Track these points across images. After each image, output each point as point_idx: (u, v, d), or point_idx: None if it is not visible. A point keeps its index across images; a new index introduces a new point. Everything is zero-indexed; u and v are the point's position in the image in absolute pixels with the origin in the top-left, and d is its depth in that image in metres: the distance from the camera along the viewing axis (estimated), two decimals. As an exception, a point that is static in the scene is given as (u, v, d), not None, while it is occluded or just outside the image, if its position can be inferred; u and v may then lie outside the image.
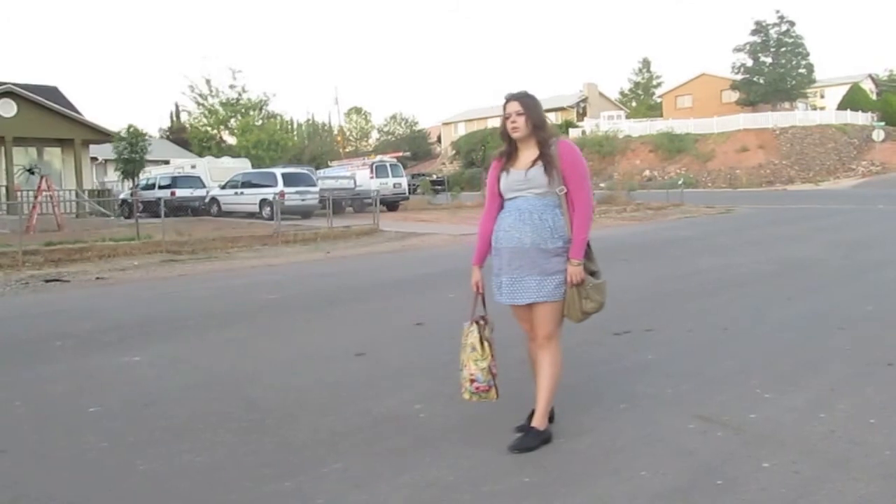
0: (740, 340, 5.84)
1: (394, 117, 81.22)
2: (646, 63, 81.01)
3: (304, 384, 4.89)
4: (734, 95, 57.06)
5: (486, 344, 3.60)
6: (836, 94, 58.34)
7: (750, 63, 55.01)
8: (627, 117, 64.28)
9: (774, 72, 53.41)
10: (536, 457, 3.45)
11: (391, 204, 28.47)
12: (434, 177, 51.42)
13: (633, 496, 2.99)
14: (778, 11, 54.10)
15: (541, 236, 3.48)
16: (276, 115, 57.48)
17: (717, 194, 37.46)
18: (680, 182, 36.14)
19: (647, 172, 51.11)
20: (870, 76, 66.33)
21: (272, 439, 3.82)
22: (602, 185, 39.69)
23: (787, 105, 56.00)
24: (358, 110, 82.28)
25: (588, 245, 3.55)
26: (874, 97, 59.75)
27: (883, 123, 48.30)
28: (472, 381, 3.59)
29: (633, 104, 77.85)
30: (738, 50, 55.22)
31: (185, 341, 6.44)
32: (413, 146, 70.46)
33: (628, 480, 3.15)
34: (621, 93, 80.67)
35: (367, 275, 11.15)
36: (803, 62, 53.84)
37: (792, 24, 53.62)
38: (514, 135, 3.56)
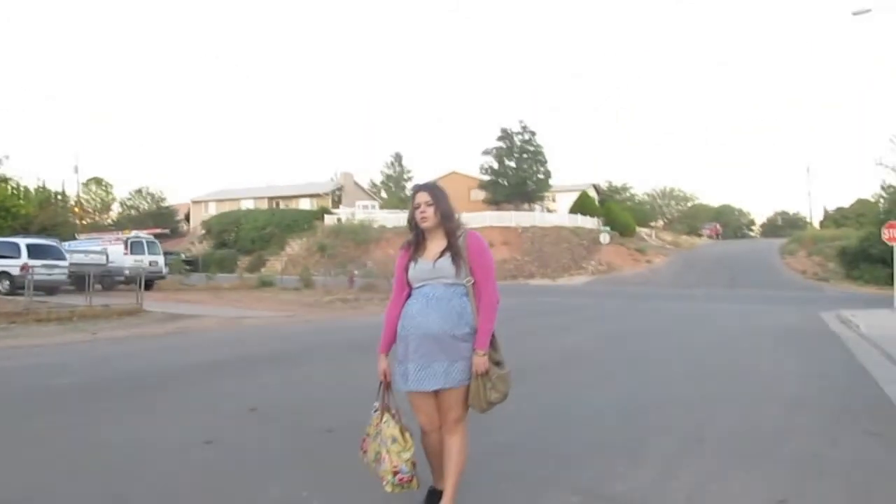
0: (574, 422, 6.27)
1: (139, 191, 76.98)
2: (398, 157, 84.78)
3: (165, 475, 4.51)
4: (481, 194, 61.13)
5: (407, 434, 3.57)
6: (566, 199, 64.64)
7: (496, 166, 59.56)
8: (381, 207, 66.29)
9: (517, 175, 58.22)
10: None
11: (146, 283, 26.75)
12: (184, 256, 49.17)
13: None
14: (521, 121, 59.60)
15: (448, 322, 3.48)
16: (8, 178, 52.17)
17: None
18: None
19: (400, 262, 52.62)
20: (593, 185, 74.42)
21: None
22: (356, 272, 40.32)
23: (526, 206, 60.98)
24: (98, 181, 76.92)
25: (493, 335, 3.60)
26: (597, 204, 66.99)
27: (608, 228, 54.22)
28: (396, 472, 3.52)
29: (384, 195, 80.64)
30: (486, 153, 59.72)
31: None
32: (159, 222, 67.08)
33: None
34: (373, 183, 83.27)
35: (159, 358, 10.41)
36: (542, 168, 59.29)
37: (533, 133, 59.18)
38: (424, 225, 3.59)
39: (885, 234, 25.02)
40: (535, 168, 59.00)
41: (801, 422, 6.46)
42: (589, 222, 58.08)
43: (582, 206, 60.97)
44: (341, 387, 7.99)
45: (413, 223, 3.66)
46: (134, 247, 28.10)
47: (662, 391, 7.97)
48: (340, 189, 69.20)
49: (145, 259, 27.77)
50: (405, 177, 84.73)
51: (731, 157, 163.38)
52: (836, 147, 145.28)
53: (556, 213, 61.22)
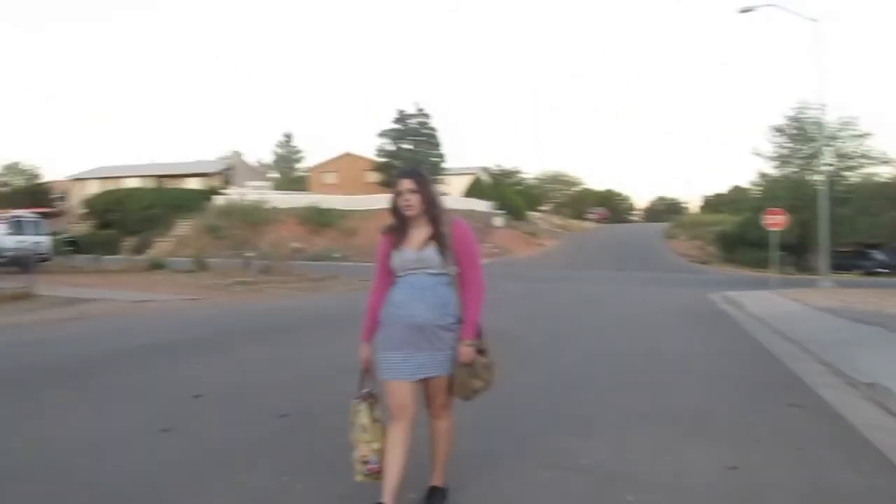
0: (518, 400, 6.45)
1: (11, 167, 72.49)
2: (288, 137, 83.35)
3: (134, 463, 4.42)
4: (377, 176, 60.93)
5: (378, 425, 3.50)
6: (459, 183, 65.27)
7: (392, 148, 59.48)
8: (274, 188, 65.05)
9: (412, 158, 58.31)
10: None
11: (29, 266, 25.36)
12: (65, 236, 46.74)
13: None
14: (417, 104, 59.56)
15: (434, 312, 3.42)
16: None
17: (365, 269, 39.21)
18: (337, 255, 37.44)
19: (294, 244, 51.92)
20: (485, 169, 75.45)
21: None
22: (249, 254, 39.48)
23: (420, 189, 61.17)
24: (-40, 156, 72.03)
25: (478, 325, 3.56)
26: (490, 187, 68.02)
27: (503, 212, 55.21)
28: (365, 462, 3.48)
29: (276, 176, 79.13)
30: (381, 135, 59.51)
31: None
32: (34, 200, 63.47)
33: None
34: (263, 164, 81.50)
35: (74, 346, 9.95)
36: (436, 151, 59.65)
37: (428, 116, 59.42)
38: (408, 213, 3.49)
39: (765, 220, 26.58)
40: (429, 151, 59.27)
41: (725, 397, 6.91)
42: (482, 206, 58.98)
43: (475, 189, 61.81)
44: (281, 371, 7.93)
45: (395, 210, 3.56)
46: (16, 226, 26.56)
47: (589, 370, 8.32)
48: (231, 169, 67.39)
49: (28, 239, 26.27)
50: (296, 157, 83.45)
51: (616, 143, 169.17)
52: (714, 137, 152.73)
53: (452, 195, 61.80)
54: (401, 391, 3.47)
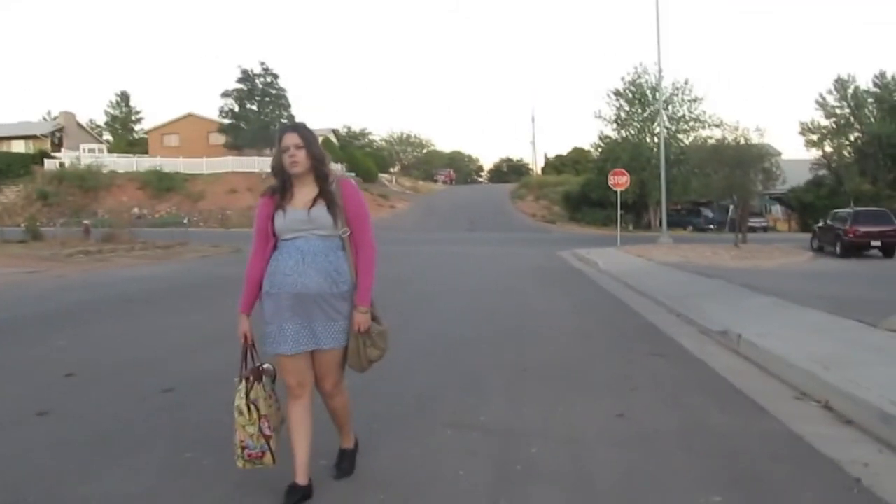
0: (403, 363, 6.52)
1: None
2: (124, 97, 78.60)
3: (16, 451, 4.14)
4: (222, 138, 58.68)
5: (252, 407, 3.25)
6: (308, 145, 64.00)
7: (237, 109, 57.38)
8: (109, 151, 61.40)
9: (259, 119, 56.55)
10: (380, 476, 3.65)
11: None
12: None
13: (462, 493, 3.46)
14: (263, 63, 57.58)
15: (327, 280, 3.23)
16: None
17: (214, 234, 38.00)
18: (185, 220, 35.99)
19: (136, 210, 49.37)
20: (333, 130, 74.40)
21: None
22: (86, 221, 37.22)
23: (269, 151, 59.61)
24: None
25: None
26: (339, 149, 67.24)
27: (353, 174, 54.80)
28: (244, 447, 3.27)
29: (110, 138, 74.65)
30: (226, 95, 57.20)
31: None
32: None
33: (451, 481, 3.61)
34: (95, 124, 76.56)
35: None
36: (285, 113, 58.09)
37: (276, 76, 57.65)
38: (294, 170, 3.25)
39: (611, 180, 27.94)
40: (277, 112, 57.65)
41: (596, 350, 7.30)
42: (333, 168, 58.13)
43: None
44: (150, 344, 7.57)
45: (279, 168, 3.29)
46: None
47: (465, 329, 8.50)
48: (61, 130, 62.76)
49: None
50: (133, 118, 78.91)
51: (462, 104, 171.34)
52: (555, 98, 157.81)
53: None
54: (297, 365, 3.29)
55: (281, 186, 3.32)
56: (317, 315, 3.24)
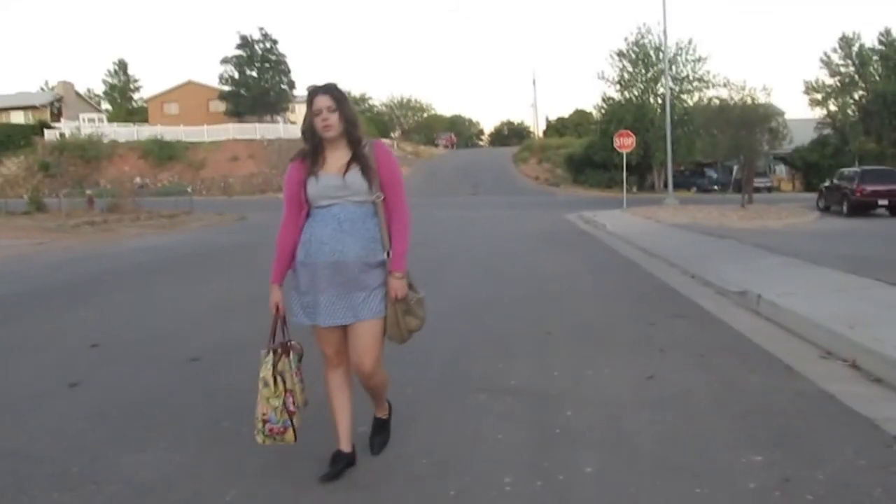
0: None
1: None
2: (122, 65, 77.96)
3: (56, 423, 4.15)
4: (222, 106, 58.36)
5: (278, 379, 3.13)
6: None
7: (237, 75, 56.96)
8: (109, 121, 61.07)
9: (259, 86, 56.16)
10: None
11: None
12: None
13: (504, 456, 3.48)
14: (262, 28, 57.12)
15: (365, 248, 3.12)
16: None
17: (217, 202, 37.98)
18: (189, 189, 35.93)
19: (138, 179, 49.28)
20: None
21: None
22: (89, 191, 37.14)
23: (269, 118, 59.34)
24: None
25: None
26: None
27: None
28: (265, 421, 3.14)
29: (109, 107, 74.25)
30: (225, 62, 56.82)
31: None
32: None
33: (492, 445, 3.63)
34: (93, 94, 76.08)
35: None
36: (285, 79, 57.68)
37: (275, 42, 57.18)
38: (328, 134, 3.10)
39: (616, 142, 27.76)
40: (277, 78, 57.23)
41: (616, 311, 7.31)
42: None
43: (325, 117, 60.62)
44: (169, 313, 7.59)
45: (311, 132, 3.15)
46: None
47: (481, 293, 8.50)
48: (60, 100, 62.32)
49: None
50: (132, 86, 78.35)
51: (462, 67, 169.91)
52: (556, 59, 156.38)
53: (300, 124, 60.21)
54: (335, 336, 3.22)
55: (312, 151, 3.18)
56: (354, 285, 3.12)
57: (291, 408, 3.14)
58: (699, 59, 45.17)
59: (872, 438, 3.63)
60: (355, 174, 3.11)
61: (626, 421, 3.94)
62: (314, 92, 3.14)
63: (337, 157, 3.16)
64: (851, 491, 3.02)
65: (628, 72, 47.06)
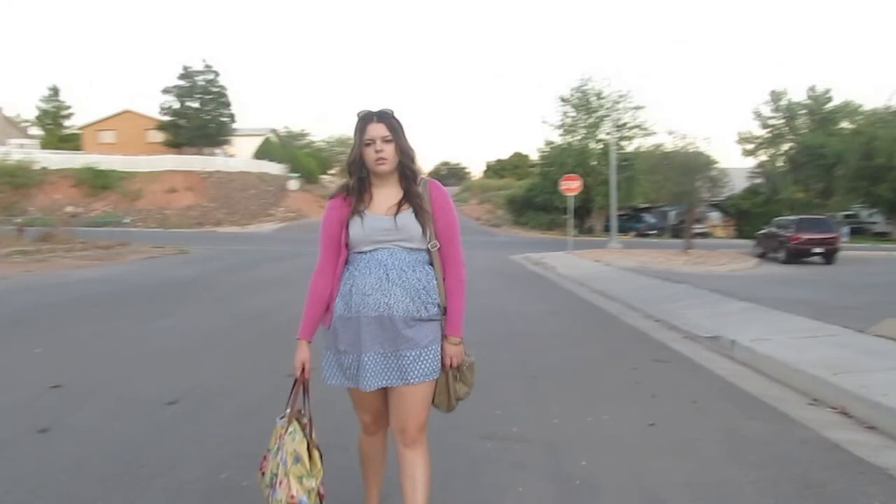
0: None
1: None
2: (55, 91, 75.84)
3: (38, 473, 3.80)
4: (160, 136, 57.24)
5: (316, 454, 2.71)
6: (247, 144, 62.95)
7: (177, 106, 56.03)
8: (42, 147, 59.21)
9: (199, 117, 55.32)
10: None
11: None
12: None
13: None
14: (204, 60, 56.42)
15: (415, 301, 2.65)
16: None
17: (153, 234, 37.04)
18: (127, 220, 34.93)
19: (70, 208, 47.66)
20: (273, 131, 73.40)
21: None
22: (19, 219, 35.76)
23: (209, 150, 58.46)
24: None
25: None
26: (280, 149, 66.42)
27: (297, 175, 54.19)
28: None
29: (42, 132, 72.10)
30: (166, 92, 55.82)
31: None
32: None
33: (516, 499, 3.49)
34: (23, 119, 73.79)
35: None
36: (226, 111, 57.00)
37: (217, 74, 56.52)
38: (380, 168, 2.67)
39: (563, 185, 28.07)
40: (218, 111, 56.52)
41: (594, 355, 7.26)
42: (275, 168, 57.53)
43: (266, 151, 60.03)
44: (131, 351, 7.15)
45: (359, 165, 2.72)
46: None
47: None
48: (-14, 124, 60.24)
49: None
50: (63, 113, 76.19)
51: (403, 107, 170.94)
52: (497, 104, 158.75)
53: (239, 157, 59.49)
54: (374, 399, 2.79)
55: (358, 187, 2.74)
56: (401, 342, 2.65)
57: (322, 491, 2.69)
58: (638, 107, 46.46)
59: (892, 490, 3.61)
60: (408, 216, 2.69)
61: (644, 471, 3.83)
62: (367, 118, 2.70)
63: (386, 194, 2.73)
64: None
65: (570, 116, 48.03)
